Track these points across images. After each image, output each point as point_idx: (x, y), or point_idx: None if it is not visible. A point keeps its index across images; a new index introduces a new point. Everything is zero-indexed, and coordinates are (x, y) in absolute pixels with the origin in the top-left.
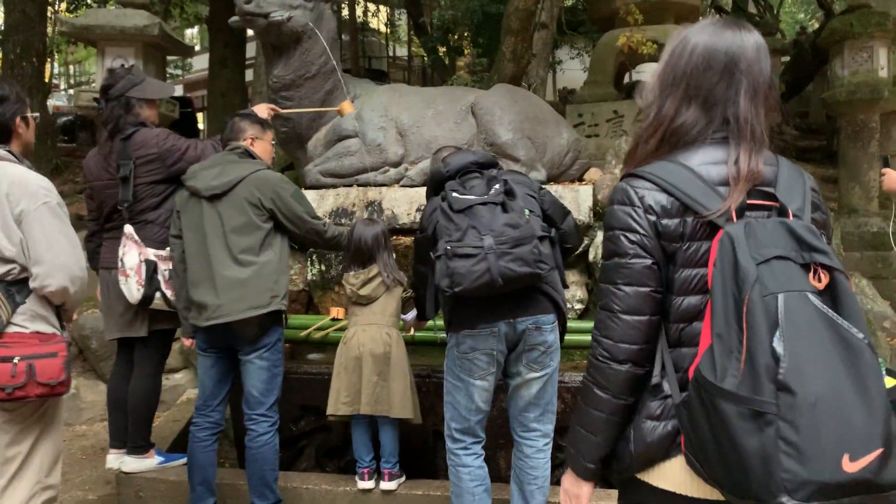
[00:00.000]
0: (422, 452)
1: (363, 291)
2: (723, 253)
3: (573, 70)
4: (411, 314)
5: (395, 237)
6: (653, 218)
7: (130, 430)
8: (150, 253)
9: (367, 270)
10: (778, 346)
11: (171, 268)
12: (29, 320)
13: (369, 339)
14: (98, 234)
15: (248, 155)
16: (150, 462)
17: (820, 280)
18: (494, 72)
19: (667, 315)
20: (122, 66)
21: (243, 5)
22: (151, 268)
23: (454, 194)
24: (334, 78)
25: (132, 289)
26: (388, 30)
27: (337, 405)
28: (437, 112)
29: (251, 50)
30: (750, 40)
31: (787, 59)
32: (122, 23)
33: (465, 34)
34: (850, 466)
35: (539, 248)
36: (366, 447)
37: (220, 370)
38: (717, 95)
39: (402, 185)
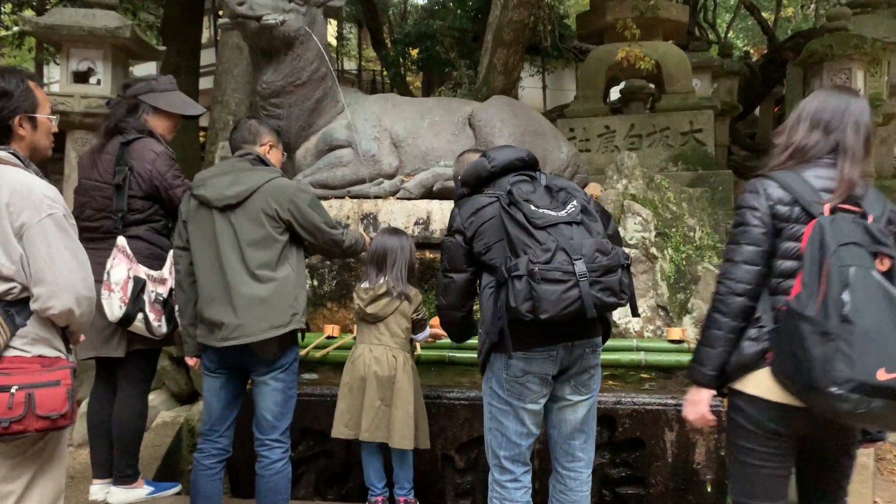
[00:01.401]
0: (430, 477)
1: (371, 309)
2: (814, 234)
3: (532, 88)
4: (423, 334)
5: None
6: (771, 203)
7: (116, 458)
8: (141, 270)
9: (376, 287)
10: (845, 296)
11: (158, 290)
12: (30, 344)
13: (374, 361)
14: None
15: (261, 162)
16: (139, 492)
17: (883, 263)
18: (483, 84)
19: (770, 271)
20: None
21: (235, 7)
22: (139, 286)
23: (531, 207)
24: (325, 85)
25: (114, 305)
26: (338, 43)
27: (339, 427)
28: (433, 123)
29: (206, 57)
30: (859, 97)
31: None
32: (91, 23)
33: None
34: (883, 376)
35: (623, 278)
36: (377, 473)
37: (229, 392)
38: (832, 126)
39: (399, 198)
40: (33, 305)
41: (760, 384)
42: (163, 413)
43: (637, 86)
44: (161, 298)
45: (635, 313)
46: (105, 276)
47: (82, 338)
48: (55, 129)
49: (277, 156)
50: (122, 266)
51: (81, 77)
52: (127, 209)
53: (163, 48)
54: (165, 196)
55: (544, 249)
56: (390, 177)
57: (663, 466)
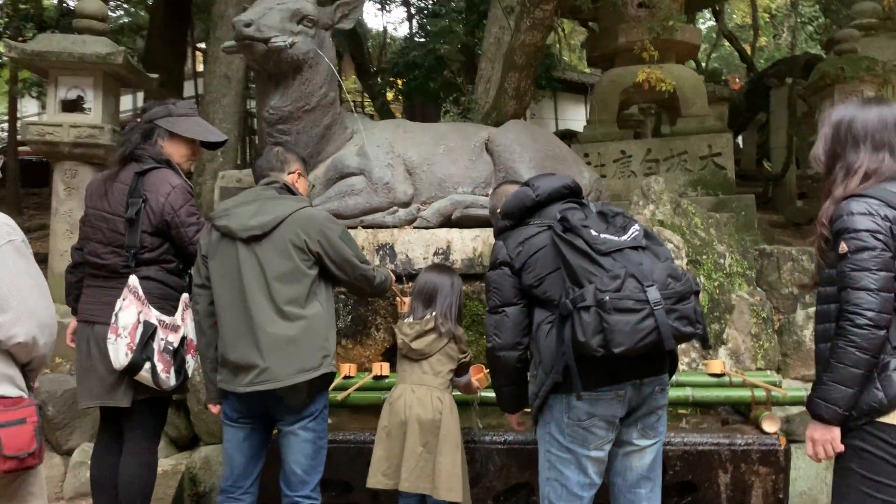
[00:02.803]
0: None
1: (416, 345)
2: None
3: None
4: (465, 378)
5: (410, 283)
6: (889, 224)
7: None
8: (153, 315)
9: (423, 321)
10: None
11: (169, 338)
12: None
13: (417, 403)
14: (80, 268)
15: (288, 191)
16: None
17: None
18: (493, 109)
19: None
20: (173, 101)
21: (242, 29)
22: (149, 332)
23: (592, 232)
24: (333, 111)
25: (119, 351)
26: None
27: (377, 476)
28: (449, 149)
29: (189, 89)
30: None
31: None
32: (82, 49)
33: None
34: None
35: (696, 306)
36: None
37: (253, 444)
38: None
39: (416, 227)
40: None
41: None
42: (162, 461)
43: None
44: (171, 348)
45: (706, 345)
46: (113, 318)
47: (36, 385)
48: None
49: (305, 185)
50: (132, 309)
51: (70, 106)
52: (140, 245)
53: (155, 76)
54: (176, 234)
55: (612, 277)
56: (405, 205)
57: None
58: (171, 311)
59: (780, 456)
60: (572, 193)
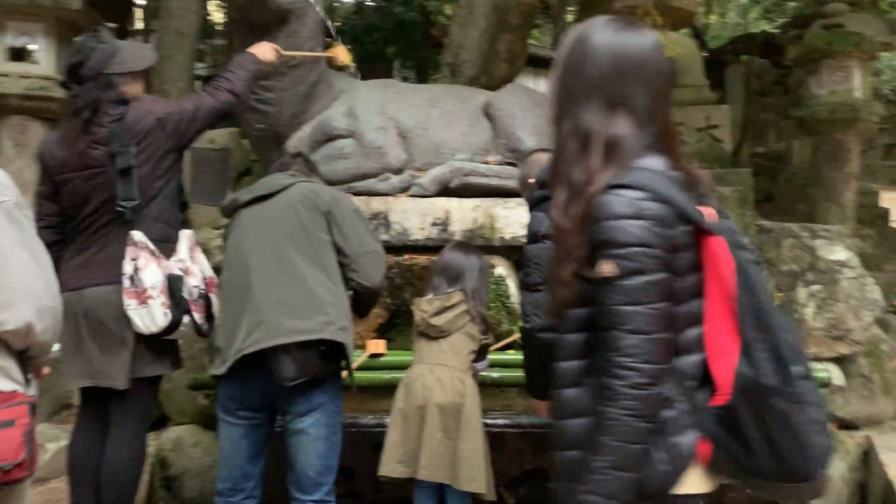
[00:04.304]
0: None
1: (436, 321)
2: (725, 255)
3: None
4: (483, 363)
5: (407, 255)
6: (663, 230)
7: None
8: (172, 266)
9: (446, 296)
10: (789, 337)
11: (193, 283)
12: None
13: (437, 384)
14: (57, 244)
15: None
16: None
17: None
18: (482, 73)
19: (672, 325)
20: (97, 31)
21: None
22: (179, 284)
23: None
24: (320, 68)
25: (156, 314)
26: None
27: (391, 464)
28: (445, 112)
29: None
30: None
31: None
32: None
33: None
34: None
35: None
36: None
37: (253, 443)
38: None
39: (412, 195)
40: None
41: (698, 479)
42: None
43: None
44: (201, 292)
45: None
46: (127, 282)
47: (46, 370)
48: None
49: None
50: (152, 266)
51: (19, 55)
52: (139, 196)
53: (113, 25)
54: (174, 128)
55: None
56: (398, 171)
57: (741, 499)
58: (171, 252)
59: None
60: None
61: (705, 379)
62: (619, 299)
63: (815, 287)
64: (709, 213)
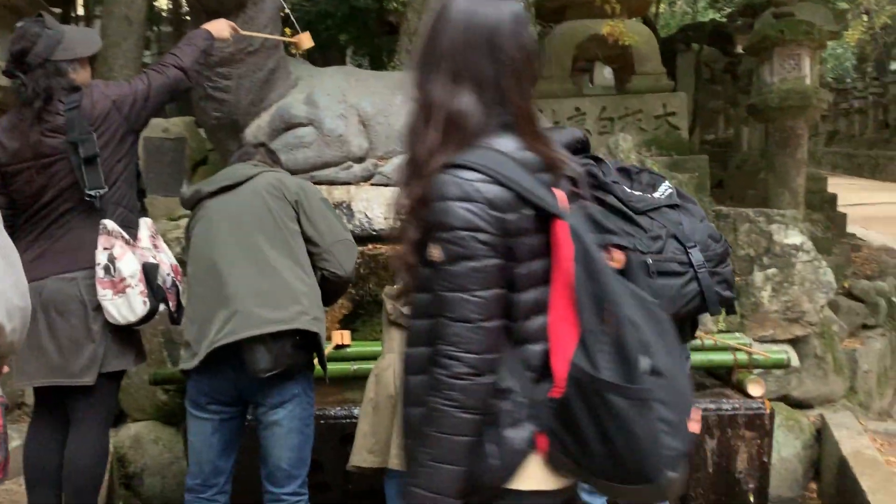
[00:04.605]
0: None
1: (408, 309)
2: (568, 240)
3: None
4: None
5: (371, 245)
6: (497, 213)
7: None
8: (147, 253)
9: None
10: (637, 333)
11: (165, 271)
12: None
13: None
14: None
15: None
16: None
17: (614, 259)
18: None
19: (511, 313)
20: (40, 17)
21: None
22: (155, 272)
23: (625, 189)
24: (278, 54)
25: (135, 303)
26: None
27: (362, 454)
28: (407, 100)
29: None
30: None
31: None
32: None
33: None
34: (694, 427)
35: (732, 269)
36: None
37: (224, 437)
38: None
39: (375, 184)
40: None
41: (538, 475)
42: None
43: None
44: (173, 279)
45: (732, 310)
46: (101, 272)
47: (6, 369)
48: None
49: None
50: (129, 255)
51: None
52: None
53: (58, 10)
54: (132, 108)
55: (652, 237)
56: (360, 160)
57: (704, 478)
58: (133, 237)
59: (765, 420)
60: (584, 148)
61: (548, 370)
62: (445, 285)
63: (771, 271)
64: (560, 197)
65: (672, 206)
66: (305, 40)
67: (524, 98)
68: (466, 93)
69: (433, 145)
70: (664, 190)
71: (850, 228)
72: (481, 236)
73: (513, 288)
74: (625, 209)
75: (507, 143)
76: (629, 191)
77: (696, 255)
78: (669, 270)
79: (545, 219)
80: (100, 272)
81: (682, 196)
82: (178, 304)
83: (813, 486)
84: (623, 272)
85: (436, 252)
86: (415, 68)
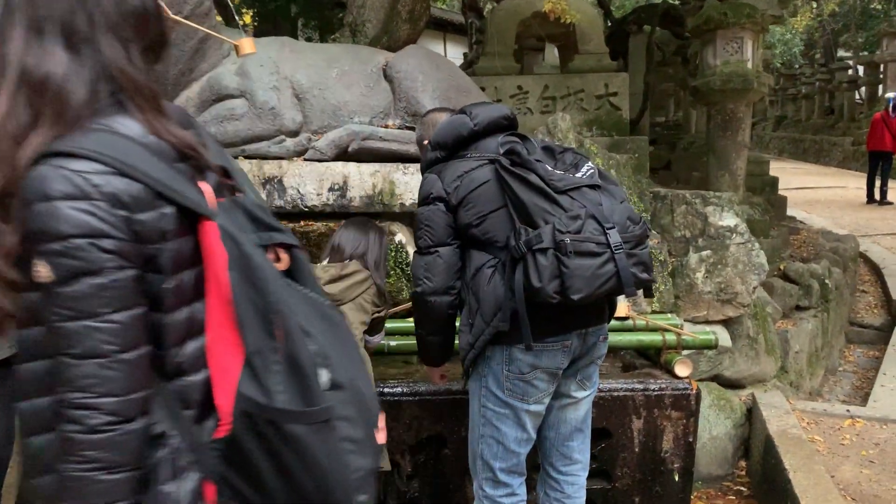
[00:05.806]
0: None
1: (331, 289)
2: (229, 250)
3: None
4: (377, 338)
5: (303, 222)
6: (124, 213)
7: None
8: None
9: (343, 265)
10: (312, 344)
11: None
12: None
13: None
14: None
15: None
16: None
17: (281, 260)
18: (384, 33)
19: (158, 338)
20: None
21: None
22: None
23: (546, 167)
24: (209, 23)
25: None
26: None
27: None
28: (343, 73)
29: None
30: None
31: None
32: None
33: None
34: (381, 438)
35: (649, 251)
36: None
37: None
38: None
39: (308, 159)
40: None
41: None
42: None
43: None
44: None
45: (650, 293)
46: None
47: None
48: None
49: None
50: None
51: None
52: None
53: None
54: None
55: (571, 217)
56: (293, 134)
57: (630, 458)
58: None
59: (691, 400)
60: (511, 125)
61: (212, 405)
62: (62, 313)
63: (706, 252)
64: (207, 192)
65: (593, 187)
66: (247, 46)
67: (133, 65)
68: (58, 50)
69: (19, 125)
70: (586, 170)
71: (791, 211)
72: (105, 243)
73: (158, 307)
74: (545, 188)
75: (130, 126)
76: (551, 170)
77: (615, 236)
78: (587, 251)
79: (193, 219)
80: None
81: (603, 177)
82: None
83: (742, 464)
84: (290, 273)
85: (43, 270)
86: None
